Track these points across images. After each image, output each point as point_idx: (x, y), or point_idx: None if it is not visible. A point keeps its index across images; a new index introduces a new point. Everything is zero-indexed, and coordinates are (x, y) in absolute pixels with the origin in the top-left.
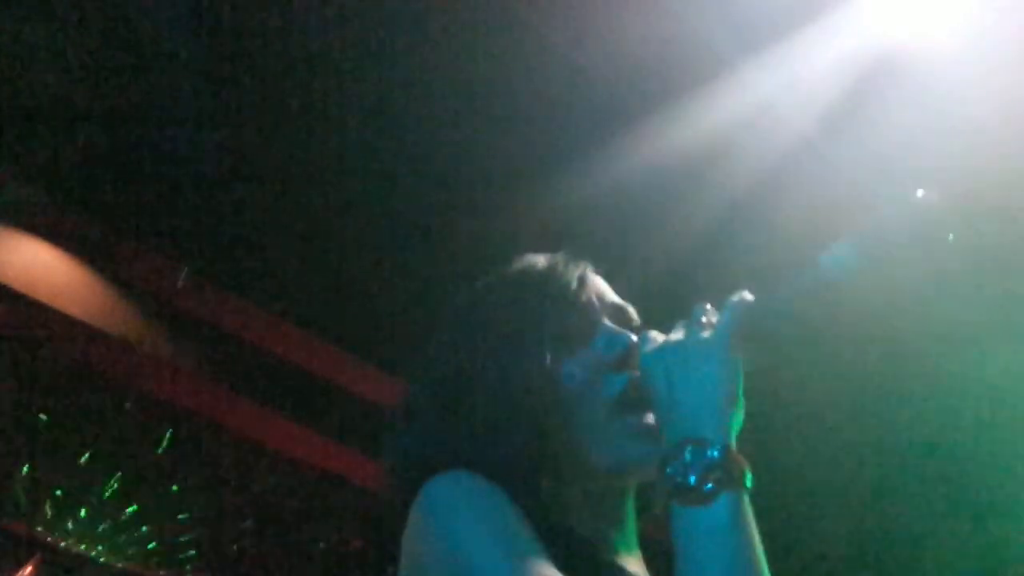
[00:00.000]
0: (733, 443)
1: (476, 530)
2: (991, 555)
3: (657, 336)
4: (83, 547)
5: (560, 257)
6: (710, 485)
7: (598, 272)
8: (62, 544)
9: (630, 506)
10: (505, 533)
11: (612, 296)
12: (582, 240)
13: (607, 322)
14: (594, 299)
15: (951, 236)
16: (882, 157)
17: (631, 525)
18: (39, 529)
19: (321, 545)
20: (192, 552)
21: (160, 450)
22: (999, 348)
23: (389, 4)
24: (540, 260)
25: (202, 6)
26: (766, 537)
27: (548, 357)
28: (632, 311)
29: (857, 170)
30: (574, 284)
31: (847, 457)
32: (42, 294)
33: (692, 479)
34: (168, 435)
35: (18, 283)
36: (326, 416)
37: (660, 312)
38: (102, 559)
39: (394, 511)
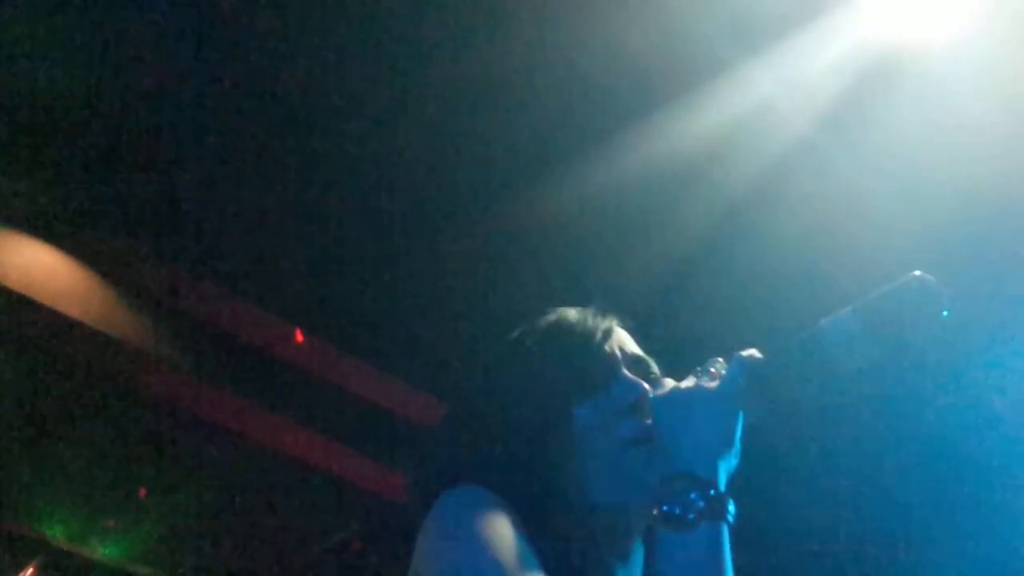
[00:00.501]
0: (722, 483)
1: (482, 544)
2: (992, 557)
3: (669, 382)
4: (83, 547)
5: (590, 311)
6: (692, 515)
7: (623, 326)
8: (62, 544)
9: (637, 544)
10: (510, 549)
11: (634, 348)
12: (581, 242)
13: (625, 372)
14: (616, 350)
15: (946, 312)
16: (882, 157)
17: (637, 562)
18: (39, 529)
19: (321, 546)
20: (192, 552)
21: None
22: (998, 347)
23: (389, 4)
24: (571, 313)
25: (202, 6)
26: (768, 540)
27: (566, 400)
28: (652, 363)
29: (857, 170)
30: (598, 336)
31: (848, 458)
32: (42, 295)
33: (678, 509)
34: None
35: (19, 284)
36: (326, 416)
37: (660, 312)
38: (102, 559)
39: (412, 517)
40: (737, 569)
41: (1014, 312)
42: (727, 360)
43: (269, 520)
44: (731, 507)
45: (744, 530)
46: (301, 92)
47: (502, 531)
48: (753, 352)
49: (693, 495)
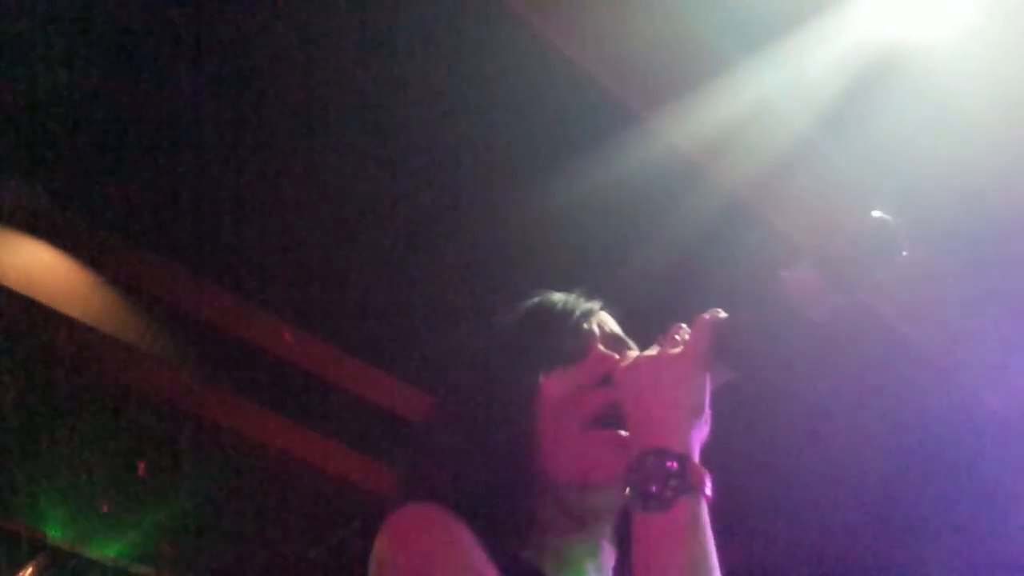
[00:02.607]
0: (695, 454)
1: (434, 561)
2: (992, 557)
3: (632, 354)
4: (83, 547)
5: (574, 294)
6: (669, 492)
7: (607, 310)
8: (62, 544)
9: (607, 534)
10: (462, 566)
11: (614, 328)
12: (581, 241)
13: (600, 347)
14: (594, 328)
15: (905, 252)
16: (882, 156)
17: (608, 554)
18: (39, 529)
19: (321, 546)
20: (191, 552)
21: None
22: (998, 347)
23: (389, 4)
24: (555, 295)
25: (202, 6)
26: (767, 535)
27: (535, 367)
28: (631, 344)
29: (857, 170)
30: (578, 313)
31: (848, 455)
32: (43, 295)
33: (653, 486)
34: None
35: (19, 284)
36: (326, 416)
37: (659, 312)
38: (102, 559)
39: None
40: (735, 566)
41: (1013, 311)
42: (691, 326)
43: (269, 520)
44: (708, 479)
45: (743, 529)
46: (301, 92)
47: (456, 547)
48: (716, 312)
49: (667, 469)
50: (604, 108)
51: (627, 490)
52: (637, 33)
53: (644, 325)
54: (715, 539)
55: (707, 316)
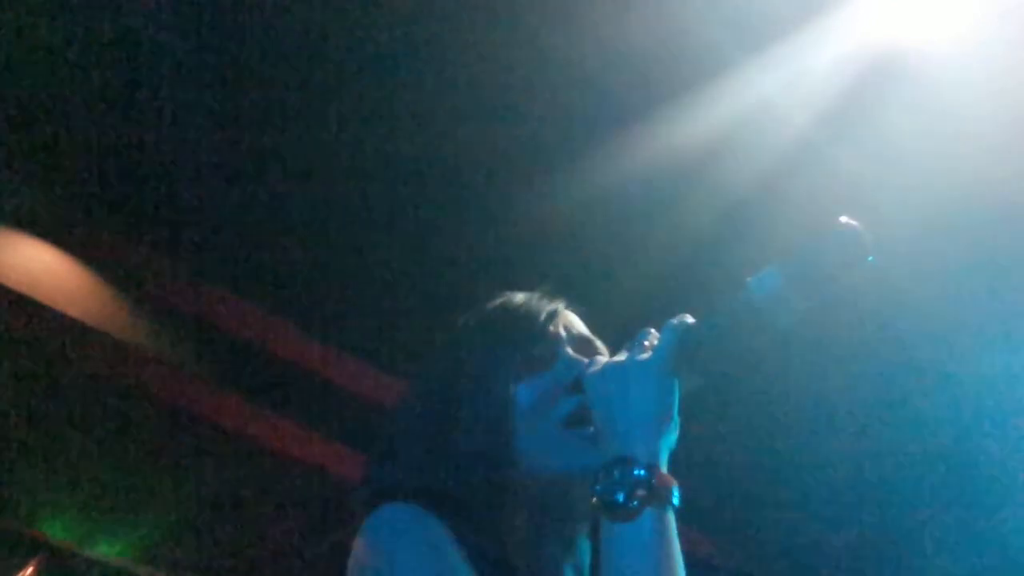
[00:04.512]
0: (663, 462)
1: (411, 559)
2: (990, 554)
3: (602, 359)
4: (83, 547)
5: (536, 294)
6: (636, 502)
7: (572, 308)
8: (62, 544)
9: (585, 541)
10: (438, 563)
11: (581, 329)
12: (581, 241)
13: (568, 351)
14: (561, 331)
15: (871, 258)
16: (882, 157)
17: (585, 552)
18: (39, 529)
19: (320, 545)
20: (191, 552)
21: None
22: (998, 348)
23: (389, 4)
24: (518, 296)
25: (202, 6)
26: (767, 535)
27: (507, 380)
28: (599, 343)
29: (857, 170)
30: (543, 316)
31: (847, 455)
32: (43, 295)
33: (620, 496)
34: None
35: (19, 284)
36: (326, 416)
37: (658, 311)
38: (102, 559)
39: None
40: (735, 571)
41: (1013, 311)
42: (660, 330)
43: (269, 520)
44: (675, 490)
45: (743, 532)
46: (302, 91)
47: (432, 545)
48: (684, 317)
49: (633, 479)
50: (604, 108)
51: (593, 499)
52: (637, 33)
53: (644, 325)
54: (716, 538)
55: (675, 321)
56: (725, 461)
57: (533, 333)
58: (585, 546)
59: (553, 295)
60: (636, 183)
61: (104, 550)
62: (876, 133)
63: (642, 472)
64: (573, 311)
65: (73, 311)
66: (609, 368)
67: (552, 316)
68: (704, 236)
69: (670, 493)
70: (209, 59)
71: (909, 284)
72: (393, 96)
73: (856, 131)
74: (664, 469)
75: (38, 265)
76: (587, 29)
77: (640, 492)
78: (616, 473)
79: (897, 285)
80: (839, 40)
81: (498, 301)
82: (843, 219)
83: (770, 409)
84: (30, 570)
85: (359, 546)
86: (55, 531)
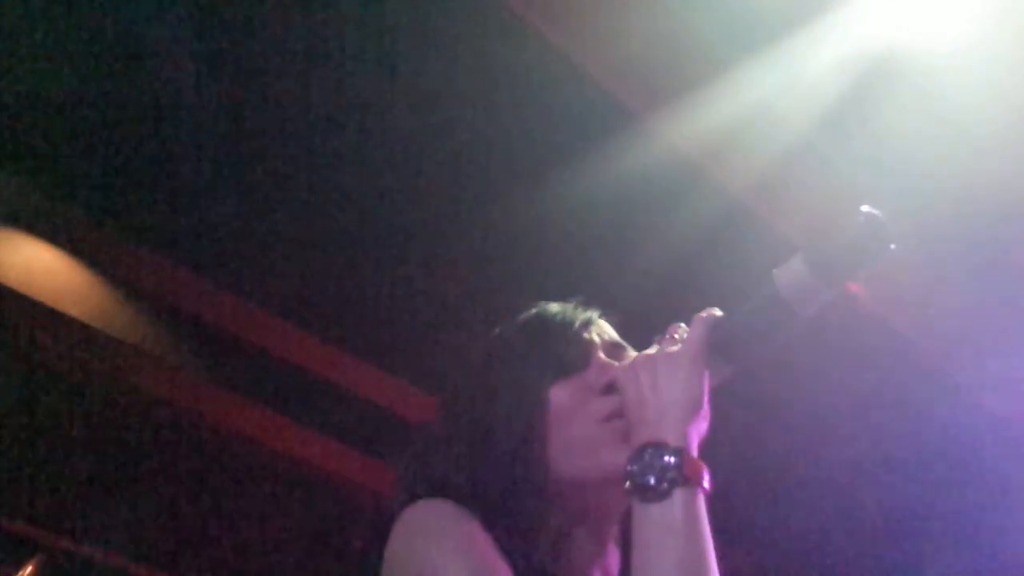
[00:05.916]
0: (693, 448)
1: (446, 554)
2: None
3: (632, 354)
4: (82, 547)
5: (572, 303)
6: (666, 484)
7: (605, 317)
8: (62, 544)
9: (614, 536)
10: (473, 558)
11: (614, 336)
12: (580, 241)
13: (602, 355)
14: (595, 337)
15: (893, 246)
16: (882, 158)
17: (613, 557)
18: (39, 529)
19: (321, 546)
20: (191, 552)
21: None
22: (999, 349)
23: (389, 4)
24: (553, 305)
25: (203, 5)
26: (767, 536)
27: (542, 382)
28: (631, 351)
29: (857, 171)
30: (577, 324)
31: (848, 457)
32: (42, 295)
33: (651, 479)
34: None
35: (19, 284)
36: (326, 416)
37: (658, 311)
38: (102, 559)
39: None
40: (736, 568)
41: (1013, 313)
42: (689, 325)
43: (268, 520)
44: (705, 472)
45: (744, 532)
46: (302, 91)
47: (467, 541)
48: (713, 310)
49: (664, 462)
50: (604, 108)
51: (626, 483)
52: (637, 33)
53: (644, 325)
54: (716, 541)
55: (704, 314)
56: (726, 461)
57: (568, 338)
58: (614, 551)
59: (588, 304)
60: (636, 183)
61: (104, 550)
62: (876, 134)
63: (673, 456)
64: (607, 320)
65: (73, 311)
66: (640, 360)
67: (587, 323)
68: (704, 237)
69: (700, 476)
70: (210, 57)
71: (909, 284)
72: (394, 96)
73: (856, 132)
74: (694, 454)
75: (38, 265)
76: (587, 29)
77: (670, 475)
78: (647, 457)
79: (897, 285)
80: (839, 41)
81: (534, 311)
82: (865, 208)
83: (770, 409)
84: (30, 570)
85: (395, 540)
86: (55, 531)
